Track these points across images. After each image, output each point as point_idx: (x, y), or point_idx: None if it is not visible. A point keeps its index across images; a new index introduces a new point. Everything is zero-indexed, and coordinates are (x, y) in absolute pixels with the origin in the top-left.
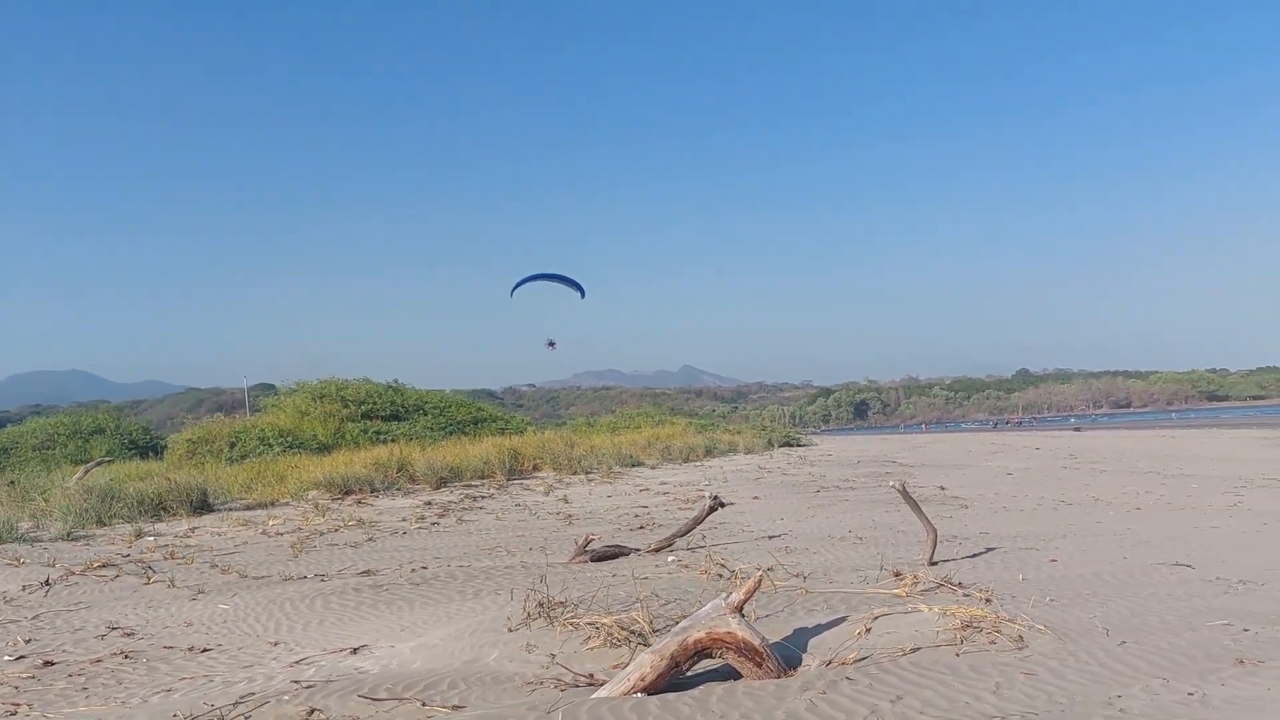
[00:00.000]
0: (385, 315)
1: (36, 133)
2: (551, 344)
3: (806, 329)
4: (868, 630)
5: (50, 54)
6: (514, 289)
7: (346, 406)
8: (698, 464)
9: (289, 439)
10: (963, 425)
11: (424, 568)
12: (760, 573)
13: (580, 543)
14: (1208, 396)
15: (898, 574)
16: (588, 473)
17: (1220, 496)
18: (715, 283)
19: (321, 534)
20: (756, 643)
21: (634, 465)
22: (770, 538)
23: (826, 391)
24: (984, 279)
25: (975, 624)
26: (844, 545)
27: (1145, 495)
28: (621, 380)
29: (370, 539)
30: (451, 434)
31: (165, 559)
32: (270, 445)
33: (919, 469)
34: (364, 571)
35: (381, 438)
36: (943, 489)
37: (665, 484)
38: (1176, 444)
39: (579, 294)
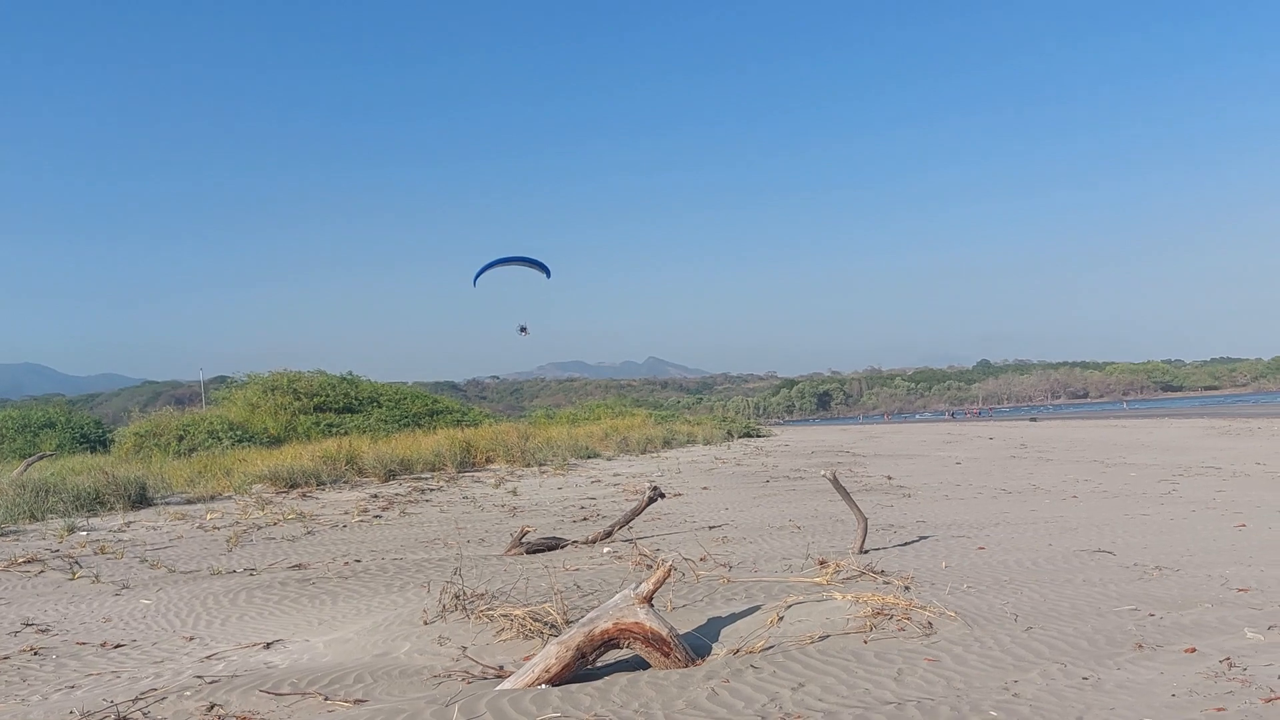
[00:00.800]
0: (347, 308)
1: None
2: (523, 329)
3: (772, 321)
4: (780, 619)
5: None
6: (477, 276)
7: (298, 399)
8: (655, 455)
9: (239, 432)
10: (921, 416)
11: (357, 561)
12: (669, 563)
13: (516, 535)
14: (1163, 387)
15: (823, 562)
16: (541, 465)
17: (1156, 484)
18: (681, 274)
19: (260, 528)
20: (664, 632)
21: (590, 457)
22: (711, 527)
23: (790, 383)
24: (946, 271)
25: (886, 611)
26: (782, 534)
27: (1084, 483)
28: (586, 372)
29: (309, 532)
30: (406, 426)
31: (95, 554)
32: (219, 439)
33: (871, 459)
34: (295, 565)
35: (334, 430)
36: (889, 478)
37: (618, 475)
38: (1126, 434)
39: (545, 275)
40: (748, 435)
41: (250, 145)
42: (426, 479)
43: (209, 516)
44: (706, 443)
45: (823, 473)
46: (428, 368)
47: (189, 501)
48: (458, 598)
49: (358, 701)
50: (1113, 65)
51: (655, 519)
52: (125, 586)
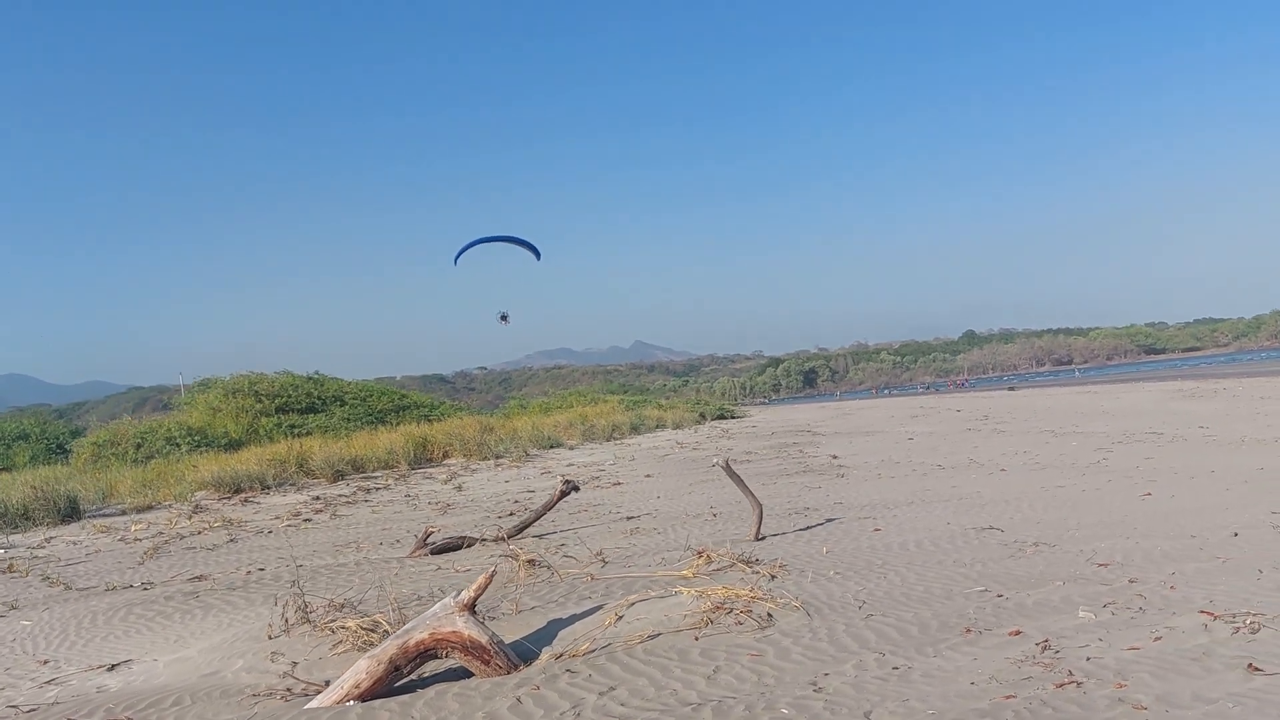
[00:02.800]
0: (334, 306)
1: None
2: (504, 318)
3: (758, 301)
4: (619, 618)
5: None
6: (459, 254)
7: (260, 401)
8: (620, 442)
9: (197, 437)
10: (906, 390)
11: (261, 570)
12: (492, 569)
13: (421, 536)
14: (1145, 350)
15: (701, 553)
16: (497, 458)
17: (1092, 453)
18: (666, 258)
19: (183, 538)
20: (484, 640)
21: (553, 447)
22: (628, 518)
23: (776, 361)
24: (931, 243)
25: (728, 605)
26: (696, 523)
27: (1021, 455)
28: (574, 359)
29: (232, 540)
30: (370, 424)
31: (2, 573)
32: (177, 445)
33: (830, 437)
34: (196, 577)
35: (296, 431)
36: (835, 457)
37: (571, 465)
38: (1093, 400)
39: (535, 256)
40: (721, 417)
41: (233, 143)
42: (377, 478)
43: (134, 529)
44: (676, 427)
45: (714, 462)
46: (417, 362)
47: (124, 512)
48: (303, 610)
49: None
50: (1099, 46)
51: (582, 510)
52: (13, 607)
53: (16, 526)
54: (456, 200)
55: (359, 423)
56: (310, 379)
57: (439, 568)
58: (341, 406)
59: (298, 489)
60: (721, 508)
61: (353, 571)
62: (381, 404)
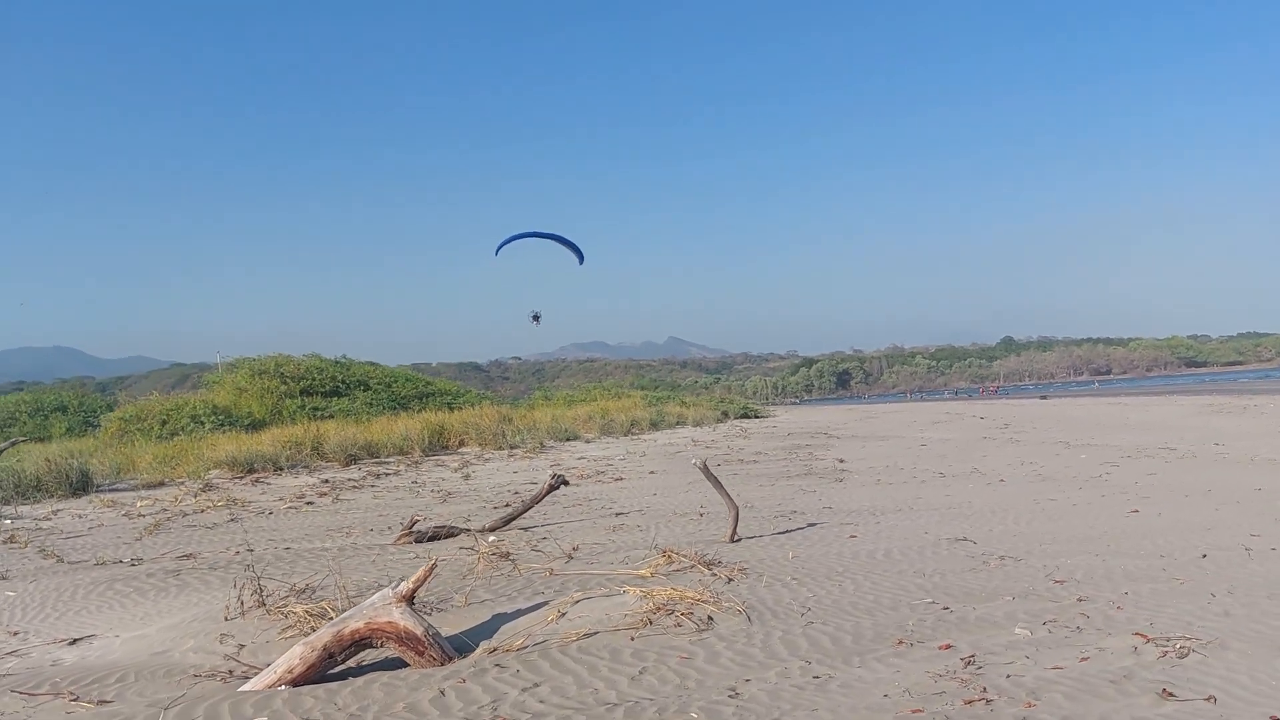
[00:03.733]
0: (378, 291)
1: (25, 112)
2: (536, 317)
3: (793, 300)
4: (562, 615)
5: (37, 34)
6: (500, 246)
7: (285, 383)
8: (637, 438)
9: (221, 417)
10: (940, 394)
11: (250, 550)
12: (432, 561)
13: (406, 524)
14: (1186, 363)
15: (665, 554)
16: (512, 448)
17: (1098, 467)
18: (703, 255)
19: (185, 515)
20: (419, 632)
21: (570, 439)
22: (617, 514)
23: (809, 361)
24: (971, 247)
25: (670, 606)
26: (681, 522)
27: (1026, 467)
28: (608, 352)
29: (232, 519)
30: (393, 410)
31: (3, 544)
32: (201, 423)
33: (845, 440)
34: (185, 555)
35: (318, 414)
36: (841, 461)
37: (583, 459)
38: (1121, 412)
39: (578, 259)
40: (745, 416)
41: (289, 123)
42: (389, 464)
43: (139, 505)
44: (696, 424)
45: (693, 462)
46: (454, 350)
47: (135, 488)
48: (258, 594)
49: (102, 703)
50: (1138, 49)
51: (576, 505)
52: (3, 578)
53: (29, 498)
54: (495, 190)
55: (381, 408)
56: (336, 363)
57: (416, 556)
58: (365, 391)
59: (310, 471)
60: (711, 507)
61: (335, 556)
62: (405, 390)
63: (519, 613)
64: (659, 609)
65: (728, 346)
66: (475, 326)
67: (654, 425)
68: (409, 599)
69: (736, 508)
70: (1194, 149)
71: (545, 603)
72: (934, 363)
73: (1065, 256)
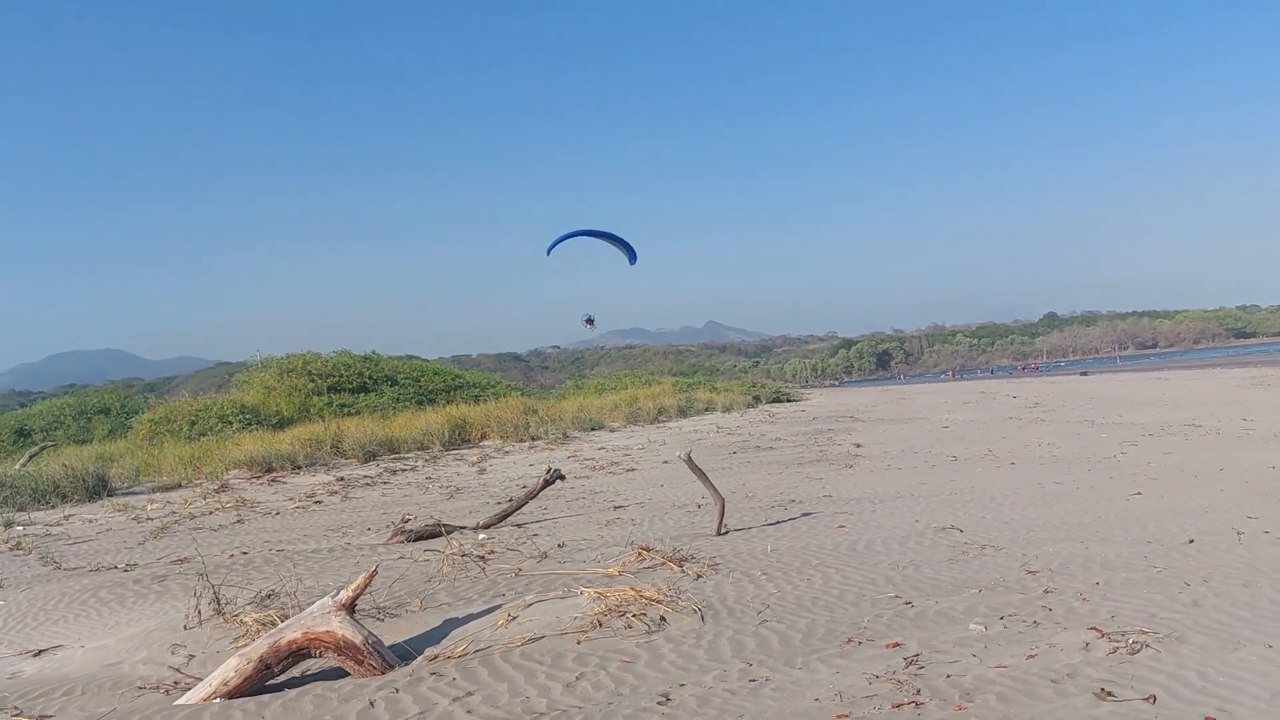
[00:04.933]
0: (419, 285)
1: (69, 119)
2: (590, 321)
3: (833, 281)
4: (512, 619)
5: (70, 31)
6: (552, 246)
7: (313, 380)
8: (663, 425)
9: (249, 416)
10: (981, 373)
11: (244, 554)
12: (372, 569)
13: (398, 523)
14: (1235, 334)
15: (641, 550)
16: (534, 439)
17: (1116, 446)
18: (740, 238)
19: (193, 518)
20: (358, 641)
21: (595, 429)
22: (616, 508)
23: (849, 343)
24: (1014, 222)
25: (623, 607)
26: (677, 514)
27: (1043, 448)
28: (646, 339)
29: (239, 521)
30: (420, 404)
31: (10, 550)
32: (229, 422)
33: (868, 424)
34: (180, 560)
35: (345, 410)
36: (857, 446)
37: (603, 449)
38: (1157, 388)
39: (629, 259)
40: (776, 400)
41: (317, 112)
42: (408, 459)
43: (150, 508)
44: (726, 410)
45: (679, 454)
46: (495, 341)
47: (152, 491)
48: (216, 602)
49: (43, 717)
50: (1171, 7)
51: (579, 498)
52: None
53: (47, 502)
54: (533, 178)
55: (409, 403)
56: (365, 359)
57: (402, 556)
58: (393, 386)
59: (328, 469)
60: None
61: (325, 558)
62: (433, 384)
63: (471, 617)
64: (611, 611)
65: (767, 329)
66: (517, 317)
67: (682, 412)
68: (349, 607)
69: (723, 500)
70: (1241, 113)
71: (498, 606)
72: (975, 340)
73: (1111, 229)
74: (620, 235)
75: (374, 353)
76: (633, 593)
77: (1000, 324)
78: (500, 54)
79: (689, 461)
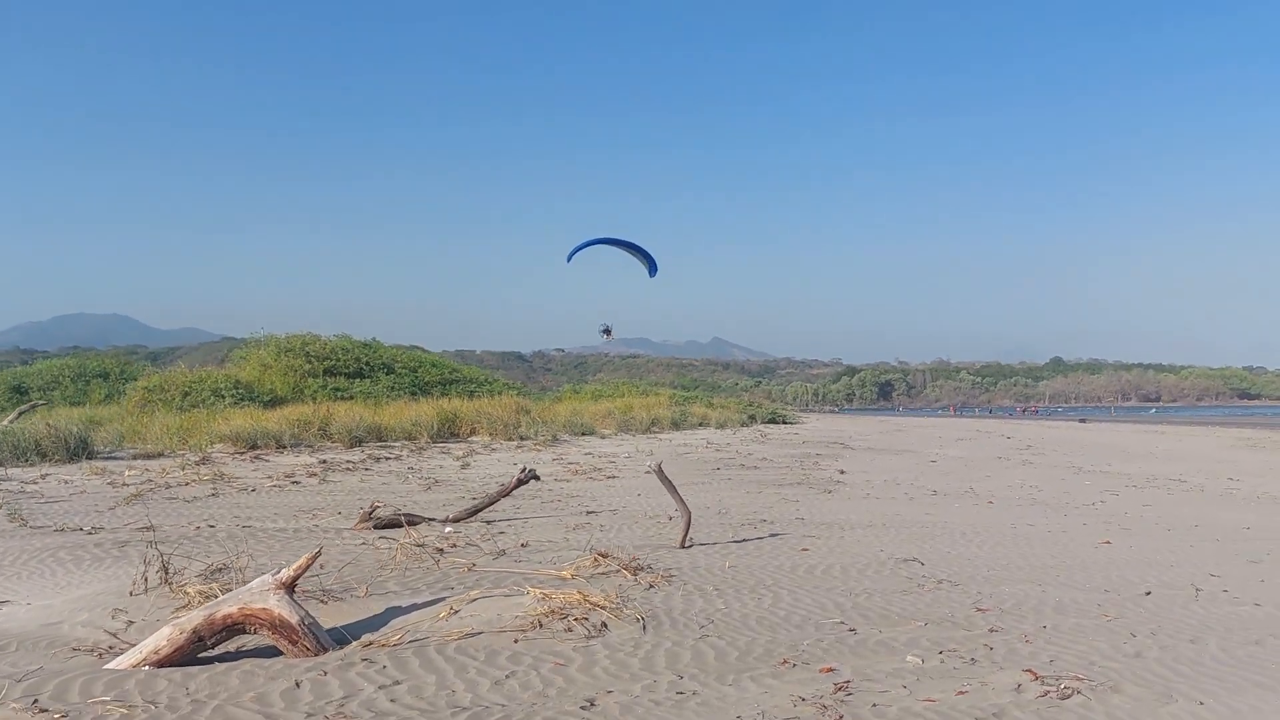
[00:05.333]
0: (429, 276)
1: (91, 76)
2: (607, 332)
3: (841, 307)
4: (454, 612)
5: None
6: (573, 253)
7: (310, 362)
8: (655, 436)
9: (242, 392)
10: (979, 411)
11: (211, 527)
12: (317, 550)
13: (365, 510)
14: (1239, 394)
15: (598, 556)
16: (523, 439)
17: (1097, 494)
18: (751, 256)
19: (169, 487)
20: (293, 620)
21: (586, 434)
22: (589, 513)
23: (852, 370)
24: (1026, 265)
25: (566, 610)
26: (647, 523)
27: (1024, 490)
28: (651, 349)
29: (214, 494)
30: (414, 394)
31: None
32: (222, 396)
33: (857, 452)
34: (145, 527)
35: (339, 394)
36: (842, 473)
37: (589, 454)
38: (1151, 441)
39: (649, 271)
40: (772, 421)
41: (331, 102)
42: (394, 448)
43: (127, 473)
44: (719, 426)
45: (648, 466)
46: (502, 338)
47: (135, 457)
48: (164, 571)
49: None
50: (1198, 55)
51: (554, 501)
52: None
53: (26, 460)
54: (541, 182)
55: (403, 392)
56: (365, 345)
57: (364, 542)
58: (389, 374)
59: (312, 451)
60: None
61: (288, 538)
62: (430, 376)
63: (414, 607)
64: (554, 612)
65: (771, 350)
66: (525, 317)
67: (675, 425)
68: (289, 586)
69: (689, 513)
70: (1258, 178)
71: (443, 599)
72: (979, 379)
73: (1123, 279)
74: (642, 246)
75: (374, 339)
76: (579, 596)
77: (1005, 364)
78: (533, 49)
79: (658, 473)
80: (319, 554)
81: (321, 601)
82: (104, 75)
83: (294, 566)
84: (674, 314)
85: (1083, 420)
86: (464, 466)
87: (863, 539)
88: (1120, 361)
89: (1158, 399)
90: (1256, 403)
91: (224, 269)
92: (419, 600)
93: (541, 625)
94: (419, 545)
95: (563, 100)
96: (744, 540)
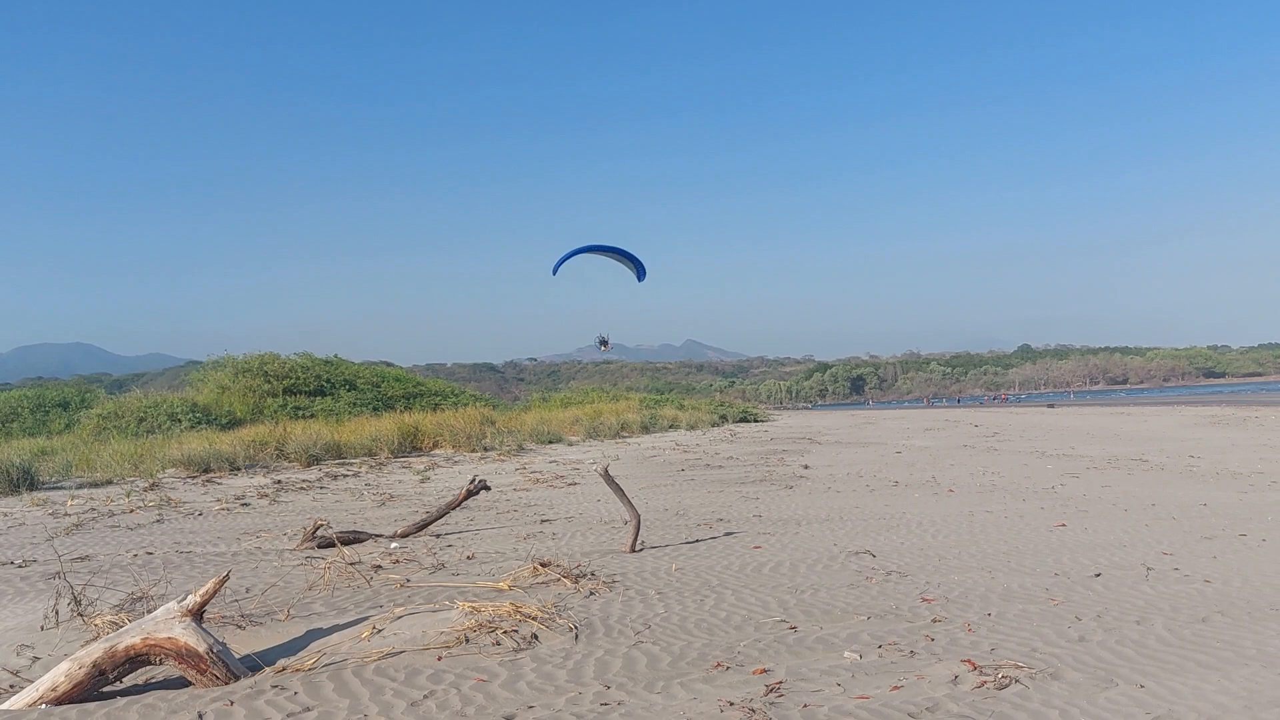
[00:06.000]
0: (398, 292)
1: (40, 111)
2: (604, 343)
3: (811, 304)
4: (377, 631)
5: (52, 29)
6: (558, 265)
7: (269, 382)
8: (624, 441)
9: (199, 415)
10: (954, 402)
11: (149, 554)
12: (225, 574)
13: (308, 529)
14: (1205, 373)
15: (541, 565)
16: (486, 450)
17: (1058, 478)
18: (721, 258)
19: (113, 515)
20: (201, 649)
21: (553, 442)
22: (543, 521)
23: (824, 366)
24: (991, 254)
25: (495, 623)
26: (600, 530)
27: (986, 477)
28: (625, 354)
29: (159, 521)
30: (376, 410)
31: None
32: (178, 421)
33: (825, 447)
34: (81, 558)
35: (300, 413)
36: (806, 468)
37: (554, 462)
38: (1116, 423)
39: (637, 276)
40: (743, 420)
41: (288, 125)
42: (353, 464)
43: (70, 503)
44: (690, 428)
45: (596, 470)
46: (475, 350)
47: (82, 486)
48: (75, 603)
49: None
50: (1158, 47)
51: (510, 511)
52: None
53: None
54: (515, 190)
55: (365, 408)
56: (326, 362)
57: (300, 563)
58: (350, 391)
59: (268, 472)
60: (646, 514)
61: (227, 562)
62: (393, 391)
63: (336, 628)
64: (482, 626)
65: (745, 350)
66: (497, 326)
67: (645, 429)
68: (196, 613)
69: (638, 516)
70: (1220, 157)
71: (363, 618)
72: (949, 369)
73: (1086, 265)
74: (629, 251)
75: (336, 356)
76: (511, 608)
77: (975, 354)
78: (468, 67)
79: (605, 477)
80: (227, 578)
81: (239, 627)
82: (62, 104)
83: (200, 592)
84: (647, 318)
85: (1051, 405)
86: (423, 480)
87: (817, 533)
88: (1087, 346)
89: (1125, 381)
90: (1222, 381)
91: (187, 293)
92: (342, 621)
93: (468, 640)
94: (352, 564)
95: (528, 114)
96: (697, 541)
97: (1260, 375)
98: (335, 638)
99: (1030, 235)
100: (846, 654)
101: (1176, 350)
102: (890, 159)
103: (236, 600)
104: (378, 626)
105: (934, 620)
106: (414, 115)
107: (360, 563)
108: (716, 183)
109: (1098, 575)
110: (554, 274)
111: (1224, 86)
